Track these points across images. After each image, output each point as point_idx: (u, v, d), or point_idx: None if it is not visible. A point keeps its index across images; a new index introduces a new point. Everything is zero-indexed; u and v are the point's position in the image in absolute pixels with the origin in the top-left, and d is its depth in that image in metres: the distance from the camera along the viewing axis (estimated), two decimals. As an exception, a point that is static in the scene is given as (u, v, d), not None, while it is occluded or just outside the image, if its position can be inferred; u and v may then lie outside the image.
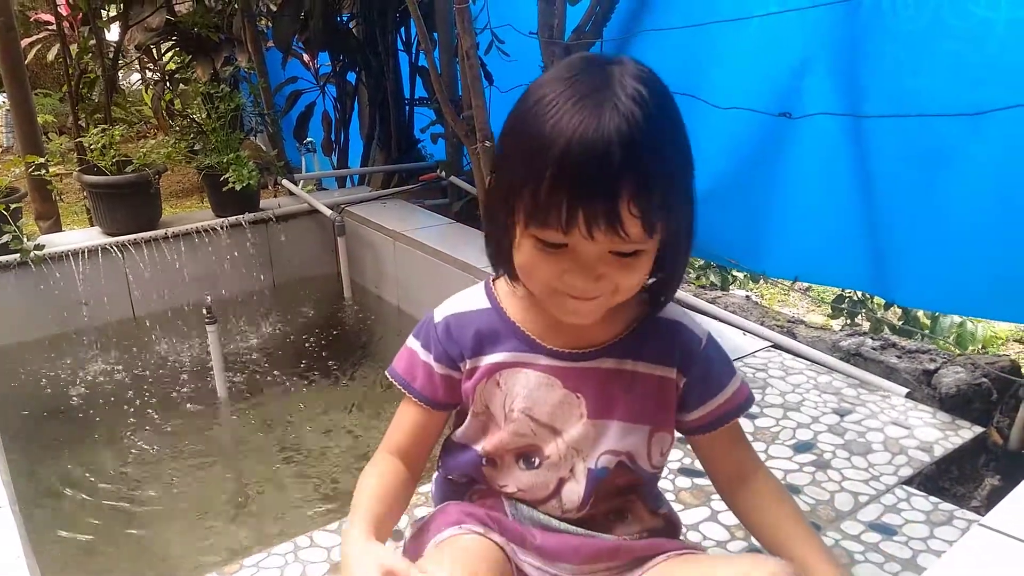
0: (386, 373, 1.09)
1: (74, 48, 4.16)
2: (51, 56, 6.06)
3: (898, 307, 2.57)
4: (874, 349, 2.09)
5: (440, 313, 1.05)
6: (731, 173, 2.53)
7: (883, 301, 2.57)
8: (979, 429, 1.82)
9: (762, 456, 1.71)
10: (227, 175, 3.16)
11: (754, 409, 1.91)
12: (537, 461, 1.02)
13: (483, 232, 0.99)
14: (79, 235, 3.29)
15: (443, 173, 3.67)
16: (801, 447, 1.77)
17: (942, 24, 1.99)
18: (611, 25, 2.72)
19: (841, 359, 2.13)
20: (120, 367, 2.93)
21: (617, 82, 0.81)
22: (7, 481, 1.87)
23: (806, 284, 3.31)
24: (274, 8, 3.86)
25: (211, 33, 3.55)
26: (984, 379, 1.91)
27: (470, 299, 1.05)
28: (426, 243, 3.02)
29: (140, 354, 3.02)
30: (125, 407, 2.65)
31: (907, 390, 1.97)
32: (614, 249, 0.84)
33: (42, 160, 3.25)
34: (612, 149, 0.78)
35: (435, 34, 3.49)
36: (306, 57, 4.21)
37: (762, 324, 2.35)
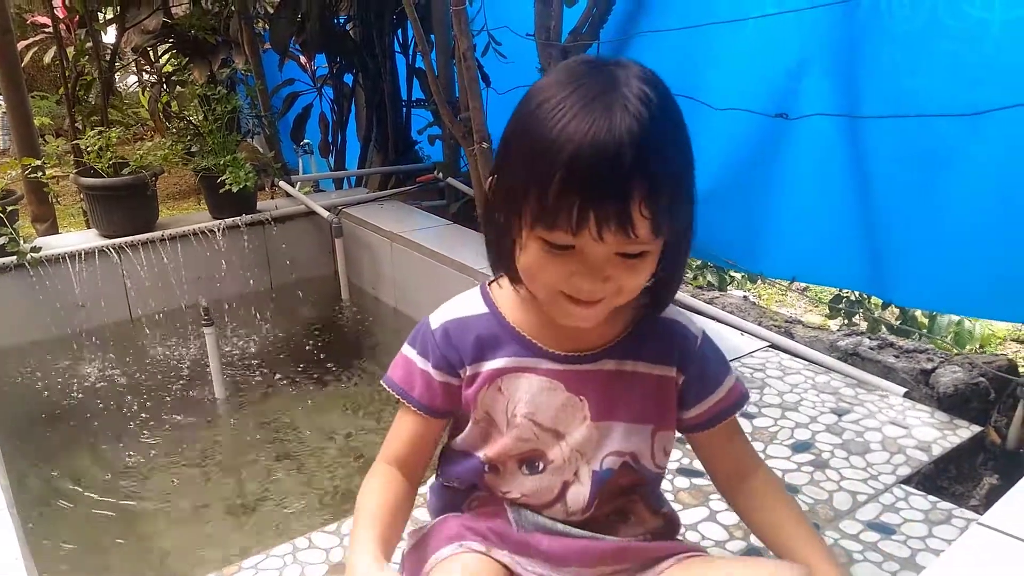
0: (382, 382, 1.06)
1: (71, 51, 4.16)
2: (48, 59, 6.06)
3: (896, 307, 2.57)
4: (872, 349, 2.10)
5: (437, 319, 1.03)
6: (728, 174, 2.53)
7: (880, 301, 2.57)
8: (977, 428, 1.82)
9: (760, 456, 1.72)
10: (224, 177, 3.16)
11: (752, 409, 1.92)
12: (541, 466, 1.01)
13: (483, 235, 0.98)
14: (76, 237, 3.29)
15: (440, 175, 3.67)
16: (799, 447, 1.77)
17: (938, 25, 2.00)
18: (608, 27, 2.72)
19: (839, 359, 2.13)
20: (117, 369, 2.92)
21: (624, 84, 0.82)
22: (5, 484, 1.87)
23: (803, 284, 3.31)
24: (271, 10, 3.87)
25: (208, 35, 3.56)
26: (982, 378, 1.91)
27: (467, 304, 1.04)
28: (423, 244, 3.02)
29: (137, 356, 3.01)
30: (122, 409, 2.65)
31: (905, 390, 1.97)
32: (621, 250, 0.84)
33: (39, 162, 3.25)
34: (624, 150, 0.78)
35: (432, 36, 3.49)
36: (303, 59, 4.22)
37: (760, 324, 2.35)
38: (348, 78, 4.03)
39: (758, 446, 1.76)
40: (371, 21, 3.72)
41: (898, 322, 2.55)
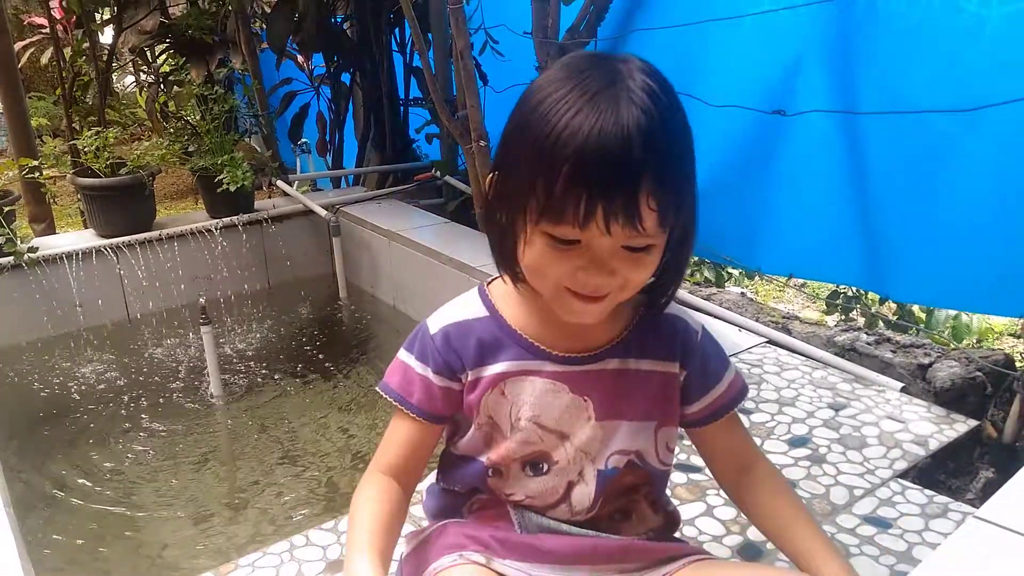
0: (378, 389, 1.04)
1: (68, 51, 4.16)
2: (45, 59, 6.06)
3: (893, 302, 2.57)
4: (869, 344, 2.10)
5: (436, 323, 1.01)
6: (726, 171, 2.53)
7: (878, 296, 2.57)
8: (973, 422, 1.82)
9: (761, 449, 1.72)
10: (221, 176, 3.16)
11: (749, 404, 1.92)
12: (545, 467, 1.01)
13: (485, 234, 0.97)
14: (73, 237, 3.29)
15: (438, 173, 3.67)
16: (796, 442, 1.77)
17: (934, 20, 2.00)
18: (605, 25, 2.72)
19: (836, 354, 2.13)
20: (115, 369, 2.92)
21: (628, 77, 0.82)
22: (2, 484, 1.87)
23: (801, 280, 3.31)
24: (268, 9, 3.87)
25: (205, 35, 3.55)
26: (978, 373, 1.91)
27: (466, 307, 1.02)
28: (421, 243, 3.02)
29: (135, 356, 3.01)
30: (120, 409, 2.65)
31: (902, 384, 1.97)
32: (627, 244, 0.83)
33: (36, 163, 3.24)
34: (632, 142, 0.78)
35: (429, 34, 3.49)
36: (300, 58, 4.22)
37: (757, 320, 2.35)
38: (346, 77, 4.03)
39: (755, 442, 1.76)
40: (368, 20, 3.72)
41: (895, 317, 2.55)
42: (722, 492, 1.48)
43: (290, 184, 3.66)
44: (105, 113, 3.68)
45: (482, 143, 2.62)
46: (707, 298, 2.52)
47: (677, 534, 1.13)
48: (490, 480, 1.03)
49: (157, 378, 2.86)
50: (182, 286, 3.27)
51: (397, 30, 3.82)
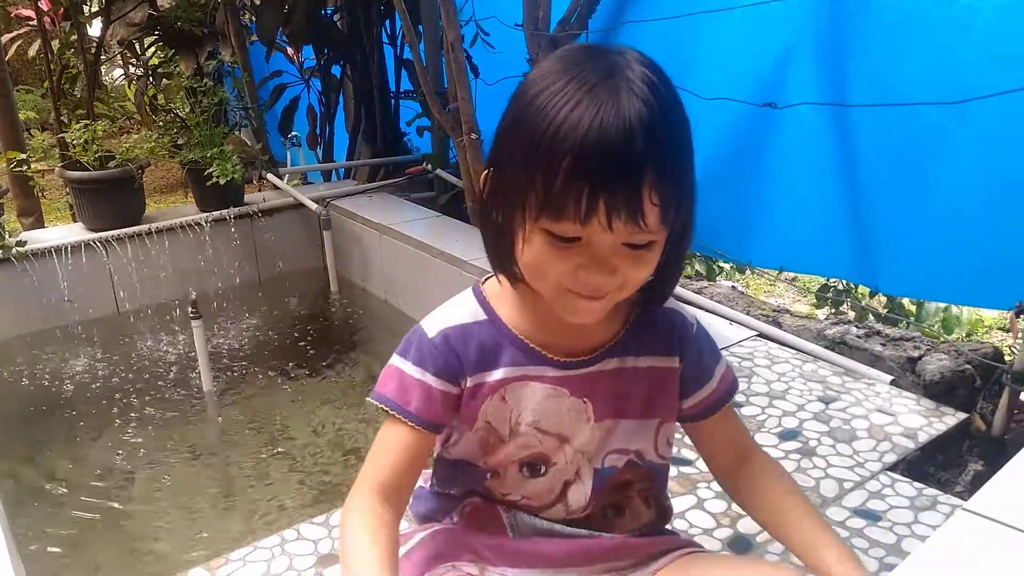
0: (371, 400, 0.98)
1: (56, 44, 4.13)
2: (32, 52, 6.00)
3: (883, 296, 2.58)
4: (859, 337, 2.10)
5: (434, 327, 0.97)
6: (717, 164, 2.53)
7: (868, 290, 2.58)
8: (963, 415, 1.83)
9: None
10: (211, 170, 3.14)
11: (740, 398, 1.92)
12: (543, 469, 1.00)
13: (479, 232, 0.94)
14: (62, 231, 3.27)
15: (429, 166, 3.66)
16: (787, 435, 1.77)
17: (925, 12, 2.00)
18: (596, 17, 2.72)
19: (826, 347, 2.14)
20: (105, 363, 2.91)
21: (627, 68, 0.80)
22: (-10, 478, 1.86)
23: (792, 274, 3.32)
24: (257, 1, 3.84)
25: (194, 27, 3.53)
26: (968, 366, 1.92)
27: (463, 310, 0.99)
28: (413, 236, 3.01)
29: (125, 350, 3.00)
30: (110, 404, 2.64)
31: (891, 377, 1.98)
32: (628, 240, 0.81)
33: (24, 156, 3.22)
34: (635, 134, 0.76)
35: (420, 27, 3.47)
36: (290, 51, 4.19)
37: (748, 314, 2.36)
38: (336, 70, 4.01)
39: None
40: (358, 12, 3.70)
41: (885, 311, 2.56)
42: (713, 485, 1.48)
43: (280, 177, 3.64)
44: (94, 106, 3.66)
45: (473, 136, 2.62)
46: (698, 291, 2.52)
47: (669, 527, 1.13)
48: (488, 482, 1.02)
49: (147, 373, 2.84)
50: (172, 280, 3.25)
51: (387, 22, 3.80)
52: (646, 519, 1.06)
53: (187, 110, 3.43)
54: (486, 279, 1.01)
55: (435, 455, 1.08)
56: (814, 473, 1.64)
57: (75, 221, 3.34)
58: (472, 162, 2.68)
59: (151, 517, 2.06)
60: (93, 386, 2.76)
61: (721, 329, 2.27)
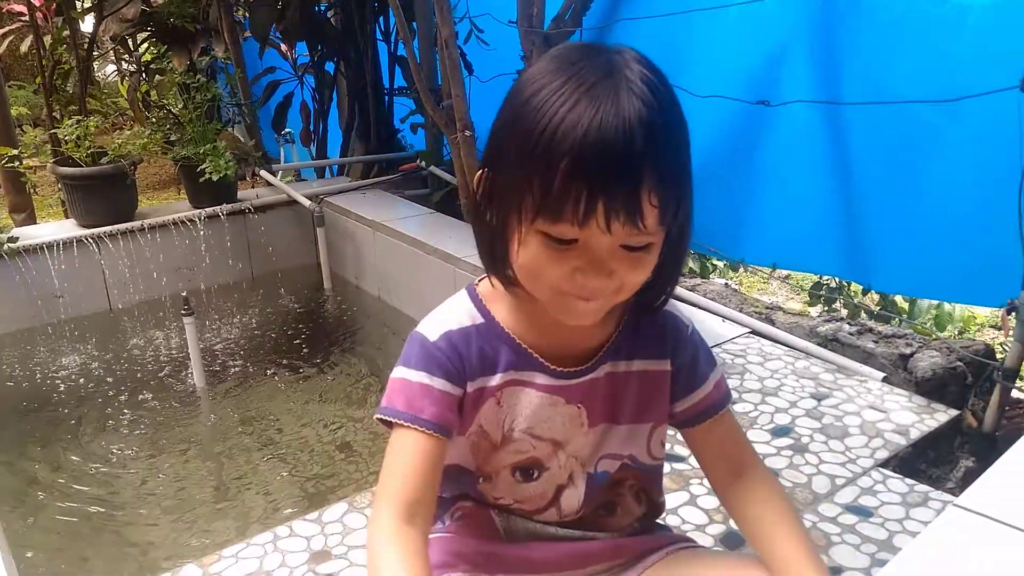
0: (381, 417, 0.93)
1: (48, 39, 4.11)
2: (24, 47, 5.97)
3: (875, 293, 2.59)
4: (851, 334, 2.11)
5: (434, 331, 0.94)
6: (710, 161, 2.54)
7: (861, 288, 2.59)
8: (954, 412, 1.84)
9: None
10: (204, 166, 3.14)
11: (733, 394, 1.92)
12: (536, 474, 0.99)
13: (474, 235, 0.92)
14: (54, 227, 3.26)
15: (423, 163, 3.66)
16: (779, 431, 1.78)
17: (918, 10, 2.01)
18: (590, 14, 2.72)
19: (819, 345, 2.14)
20: (97, 360, 2.90)
21: (625, 67, 0.78)
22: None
23: (786, 272, 3.33)
24: (251, -2, 3.83)
25: (187, 23, 3.52)
26: (959, 363, 1.93)
27: (461, 313, 0.96)
28: (406, 233, 3.01)
29: (117, 347, 2.99)
30: (102, 400, 2.63)
31: (883, 374, 1.98)
32: (626, 243, 0.80)
33: (16, 152, 3.21)
34: (635, 135, 0.74)
35: (414, 23, 3.47)
36: (284, 47, 4.18)
37: (740, 311, 2.36)
38: (329, 66, 4.01)
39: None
40: (352, 8, 3.70)
41: (878, 308, 2.57)
42: (705, 481, 1.48)
43: (274, 174, 3.63)
44: (86, 102, 3.65)
45: (467, 133, 2.62)
46: (691, 289, 2.52)
47: (661, 521, 1.13)
48: (480, 486, 1.01)
49: (140, 370, 2.84)
50: (164, 277, 3.24)
51: (381, 19, 3.79)
52: (637, 514, 1.06)
53: (180, 106, 3.42)
54: (480, 280, 0.99)
55: None
56: (806, 470, 1.64)
57: (67, 217, 3.33)
58: (466, 159, 2.68)
59: (143, 514, 2.05)
60: (85, 383, 2.75)
61: (714, 326, 2.28)
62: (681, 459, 1.66)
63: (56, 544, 1.96)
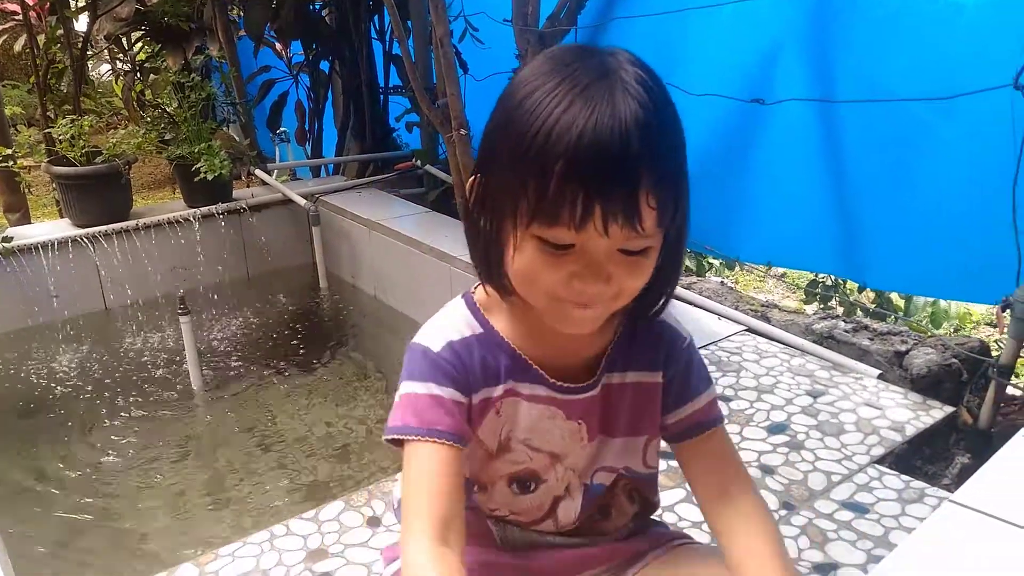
0: (392, 437, 0.89)
1: (41, 38, 4.09)
2: (18, 46, 5.95)
3: (871, 291, 2.59)
4: (846, 332, 2.11)
5: (436, 341, 0.91)
6: (705, 159, 2.54)
7: (856, 285, 2.59)
8: (950, 409, 1.84)
9: (736, 438, 1.73)
10: (199, 165, 3.13)
11: (729, 392, 1.93)
12: (533, 486, 0.98)
13: (467, 243, 0.90)
14: (48, 227, 3.25)
15: (419, 162, 3.66)
16: (775, 428, 1.78)
17: (911, 8, 2.01)
18: (585, 12, 2.72)
19: (814, 342, 2.14)
20: (93, 360, 2.90)
21: (620, 68, 0.77)
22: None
23: (781, 271, 3.34)
24: (245, -4, 3.82)
25: (181, 22, 3.52)
26: (954, 360, 1.93)
27: (460, 322, 0.94)
28: (402, 232, 3.01)
29: (113, 347, 2.99)
30: (98, 400, 2.62)
31: (879, 371, 1.99)
32: (624, 247, 0.78)
33: (10, 152, 3.20)
34: (631, 136, 0.73)
35: (409, 22, 3.47)
36: (278, 46, 4.18)
37: (736, 309, 2.36)
38: (324, 65, 4.00)
39: (734, 428, 1.78)
40: (347, 7, 3.69)
41: (874, 306, 2.57)
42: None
43: (269, 173, 3.63)
44: (80, 101, 3.63)
45: (463, 132, 2.61)
46: (687, 287, 2.53)
47: (656, 517, 1.13)
48: (476, 496, 1.00)
49: (136, 369, 2.83)
50: (160, 276, 3.24)
51: (376, 17, 3.79)
52: (631, 513, 1.06)
53: (175, 105, 3.42)
54: (475, 287, 0.97)
55: None
56: (802, 466, 1.64)
57: (62, 217, 3.32)
58: (462, 158, 2.67)
59: (140, 514, 2.05)
60: (80, 383, 2.74)
61: (710, 324, 2.28)
62: (677, 457, 1.67)
63: (54, 544, 1.95)
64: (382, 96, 3.90)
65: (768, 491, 1.57)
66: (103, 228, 3.10)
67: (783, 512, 1.51)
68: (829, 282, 2.69)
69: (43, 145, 3.45)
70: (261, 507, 2.04)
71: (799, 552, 1.41)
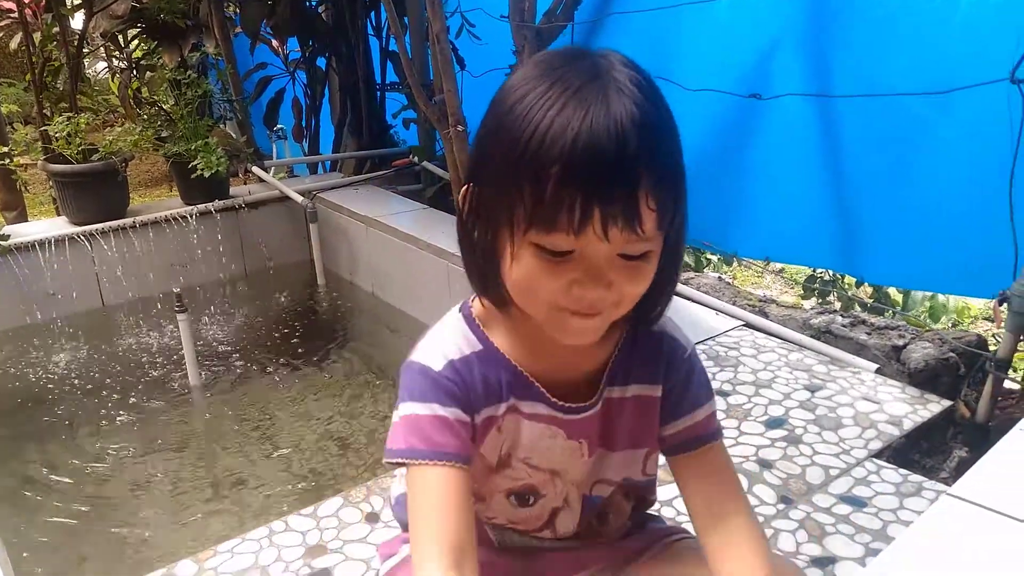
0: (395, 461, 0.87)
1: (37, 36, 4.08)
2: (14, 44, 5.94)
3: (868, 285, 2.60)
4: (844, 326, 2.11)
5: (436, 359, 0.89)
6: (703, 155, 2.54)
7: (854, 280, 2.60)
8: (947, 403, 1.85)
9: (734, 433, 1.73)
10: (195, 162, 3.12)
11: (727, 387, 1.93)
12: (532, 499, 0.97)
13: (461, 257, 0.89)
14: (45, 225, 3.24)
15: (416, 159, 3.66)
16: (773, 423, 1.78)
17: (908, 3, 2.01)
18: (582, 8, 2.71)
19: (812, 337, 2.15)
20: (91, 358, 2.89)
21: (612, 69, 0.76)
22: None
23: (780, 266, 3.34)
24: (241, -7, 3.81)
25: (177, 19, 3.50)
26: (952, 354, 1.94)
27: (459, 338, 0.91)
28: (399, 229, 3.01)
29: (110, 344, 2.98)
30: (96, 398, 2.62)
31: (876, 366, 1.99)
32: (624, 251, 0.76)
33: (6, 150, 3.19)
34: (628, 136, 0.71)
35: (405, 18, 3.46)
36: (275, 43, 4.17)
37: (734, 304, 2.36)
38: (321, 62, 3.99)
39: (732, 423, 1.78)
40: (343, 3, 3.69)
41: (872, 300, 2.58)
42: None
43: (266, 170, 3.62)
44: (77, 99, 3.62)
45: (460, 128, 2.61)
46: (684, 282, 2.53)
47: (653, 511, 1.13)
48: (475, 506, 0.97)
49: (134, 367, 2.83)
50: (157, 274, 3.23)
51: (373, 13, 3.78)
52: (628, 511, 1.06)
53: (171, 103, 3.41)
54: (472, 299, 0.94)
55: None
56: (800, 461, 1.65)
57: (59, 215, 3.32)
58: (459, 154, 2.67)
59: (139, 510, 2.05)
60: (79, 381, 2.74)
61: (707, 319, 2.28)
62: (676, 451, 1.67)
63: (52, 542, 1.95)
64: (379, 93, 3.90)
65: (766, 485, 1.58)
66: (100, 226, 3.10)
67: (781, 506, 1.52)
68: (827, 277, 2.69)
69: (39, 143, 3.44)
70: (259, 503, 2.04)
71: (797, 546, 1.41)
